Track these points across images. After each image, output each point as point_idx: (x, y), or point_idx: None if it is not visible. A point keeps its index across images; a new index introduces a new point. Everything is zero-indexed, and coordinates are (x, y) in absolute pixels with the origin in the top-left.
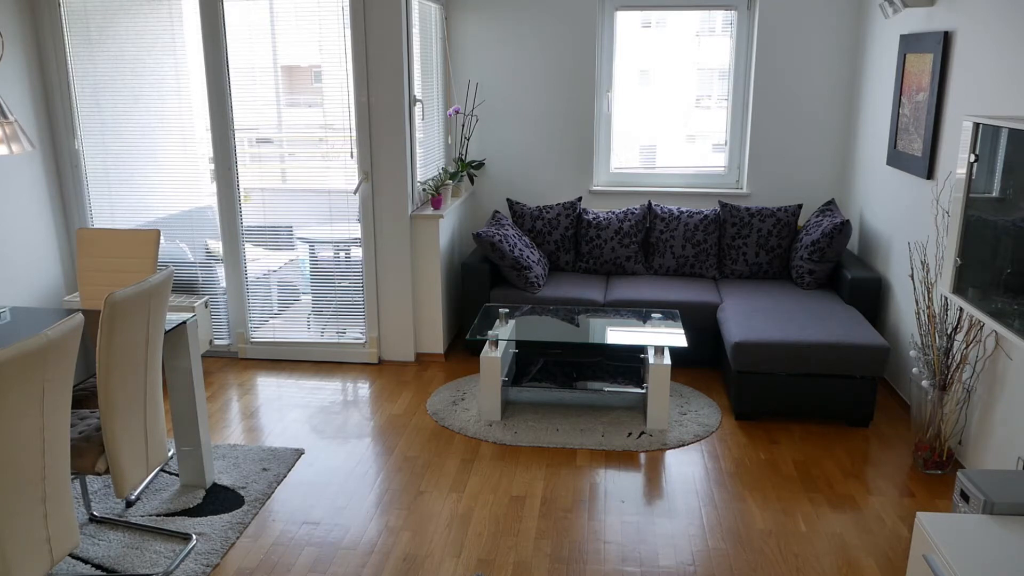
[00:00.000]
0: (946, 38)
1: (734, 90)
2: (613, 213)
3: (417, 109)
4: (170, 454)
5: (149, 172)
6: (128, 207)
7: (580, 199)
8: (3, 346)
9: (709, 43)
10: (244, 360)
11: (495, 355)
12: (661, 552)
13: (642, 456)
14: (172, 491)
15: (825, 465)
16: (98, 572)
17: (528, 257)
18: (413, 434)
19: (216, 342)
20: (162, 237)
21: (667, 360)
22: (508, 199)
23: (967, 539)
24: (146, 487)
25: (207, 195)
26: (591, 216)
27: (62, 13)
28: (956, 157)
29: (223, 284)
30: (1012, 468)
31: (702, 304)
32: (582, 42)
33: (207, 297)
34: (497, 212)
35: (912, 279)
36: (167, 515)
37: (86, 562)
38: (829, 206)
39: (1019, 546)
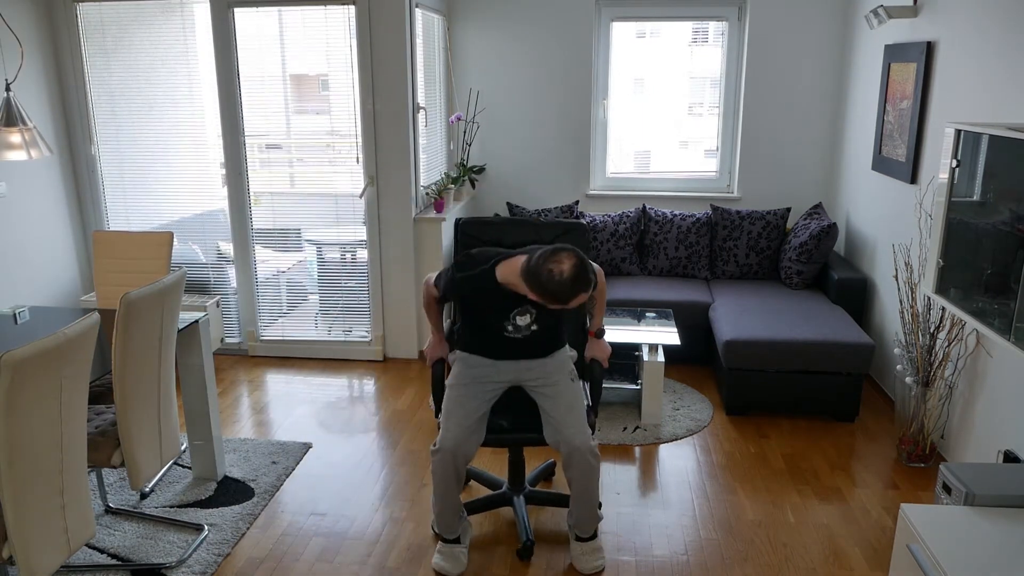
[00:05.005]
0: (929, 48)
1: (725, 98)
2: (609, 216)
3: (420, 116)
4: (183, 448)
5: (163, 177)
6: (142, 210)
7: (577, 203)
8: (23, 344)
9: (701, 53)
10: (254, 357)
11: None
12: (655, 542)
13: (637, 450)
14: (185, 483)
15: (813, 458)
16: (114, 561)
17: None
18: (417, 428)
19: (227, 340)
20: (175, 239)
21: (661, 357)
22: (508, 202)
23: (949, 530)
24: (160, 479)
25: (219, 199)
26: (588, 219)
27: (79, 24)
28: (939, 162)
29: (234, 284)
30: (992, 461)
31: (694, 304)
32: (579, 52)
33: (218, 297)
34: (497, 215)
35: (896, 279)
36: (180, 506)
37: (102, 551)
38: (816, 209)
39: (998, 536)
